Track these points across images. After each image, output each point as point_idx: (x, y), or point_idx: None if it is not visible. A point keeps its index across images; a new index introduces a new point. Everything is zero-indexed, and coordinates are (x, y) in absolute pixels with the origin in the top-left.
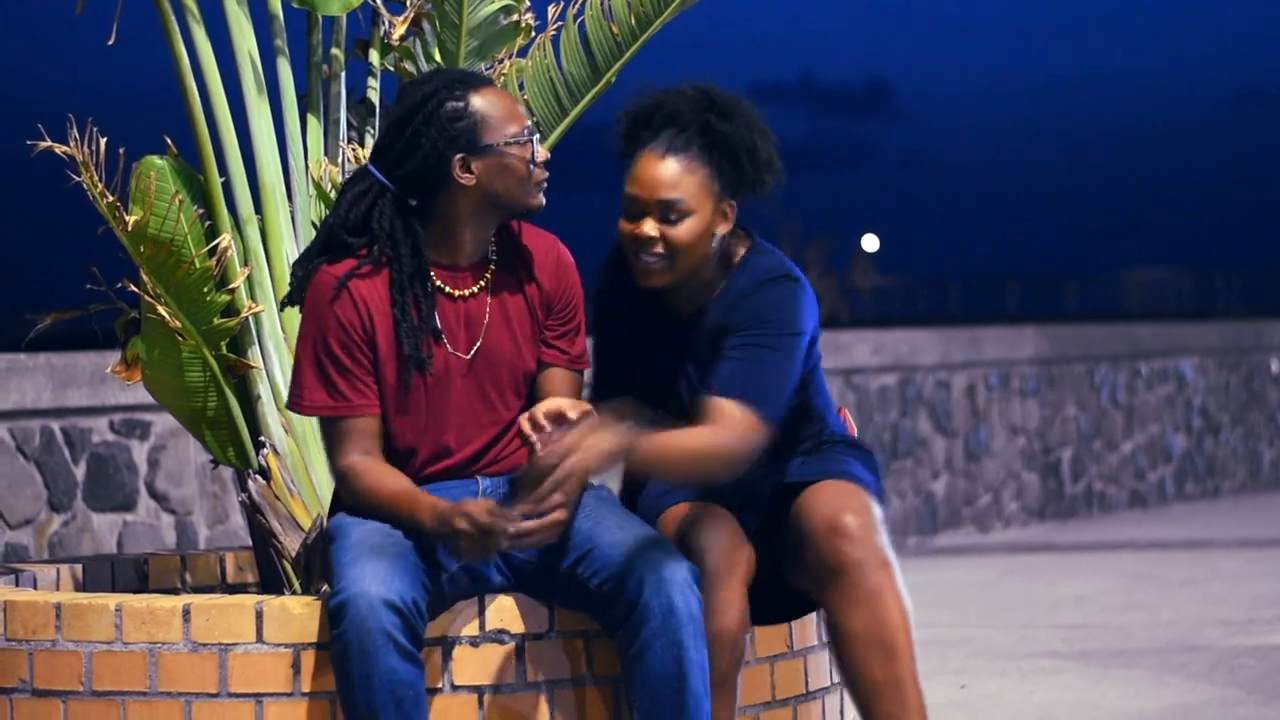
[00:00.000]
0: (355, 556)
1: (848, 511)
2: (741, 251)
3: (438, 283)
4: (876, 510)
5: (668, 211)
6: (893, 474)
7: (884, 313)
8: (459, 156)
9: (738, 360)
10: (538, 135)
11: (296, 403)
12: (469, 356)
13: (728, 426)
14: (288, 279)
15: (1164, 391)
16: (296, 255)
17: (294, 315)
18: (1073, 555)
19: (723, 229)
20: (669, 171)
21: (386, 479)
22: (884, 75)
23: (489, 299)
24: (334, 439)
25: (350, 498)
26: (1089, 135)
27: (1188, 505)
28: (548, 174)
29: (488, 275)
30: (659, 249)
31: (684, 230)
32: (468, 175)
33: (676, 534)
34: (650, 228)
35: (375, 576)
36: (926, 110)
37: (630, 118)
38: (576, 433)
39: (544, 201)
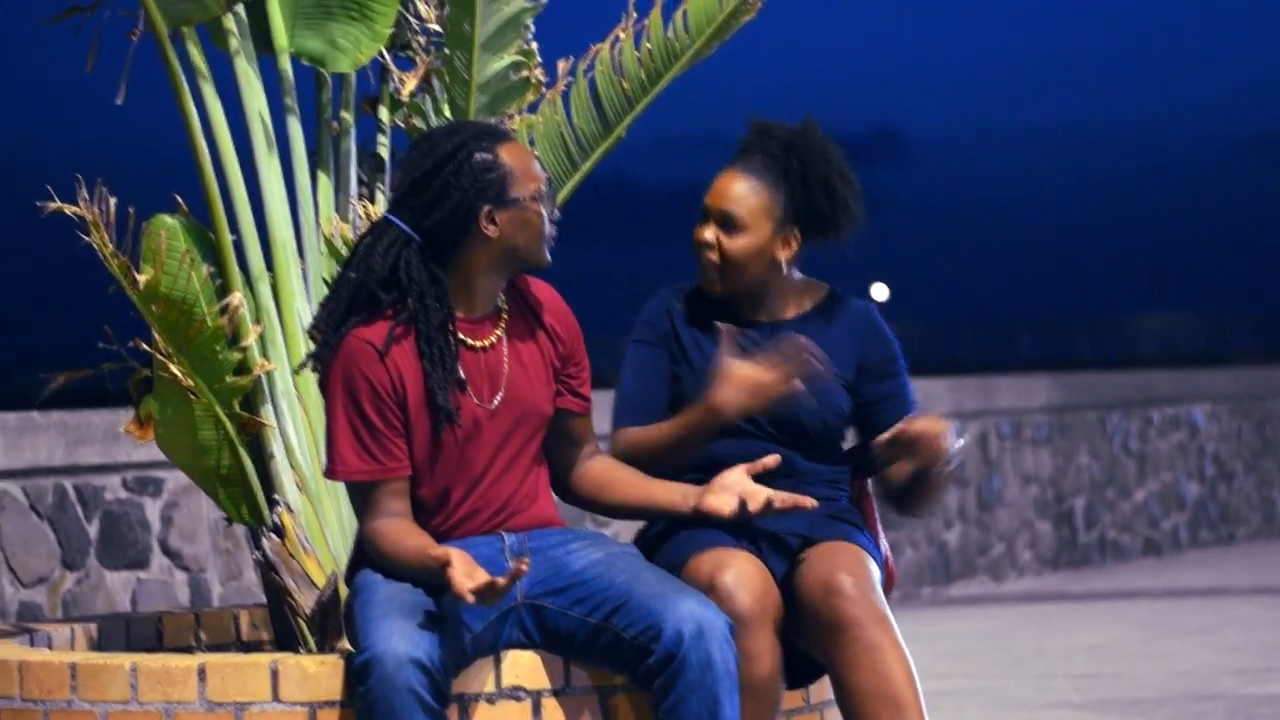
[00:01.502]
0: (383, 614)
1: (842, 570)
2: (825, 289)
3: (460, 335)
4: (873, 568)
5: (725, 221)
6: (905, 524)
7: None
8: (486, 208)
9: (906, 385)
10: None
11: (332, 471)
12: (493, 407)
13: None
14: (308, 339)
15: (1177, 439)
16: (309, 312)
17: (309, 374)
18: (1087, 604)
19: (783, 254)
20: (736, 187)
21: (406, 538)
22: (892, 123)
23: (505, 348)
24: (365, 502)
25: (377, 558)
26: (1099, 181)
27: (1202, 553)
28: (556, 231)
29: (502, 324)
30: (714, 255)
31: (737, 244)
32: (492, 227)
33: (706, 579)
34: (709, 233)
35: (403, 634)
36: (935, 157)
37: (741, 141)
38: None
39: (550, 260)
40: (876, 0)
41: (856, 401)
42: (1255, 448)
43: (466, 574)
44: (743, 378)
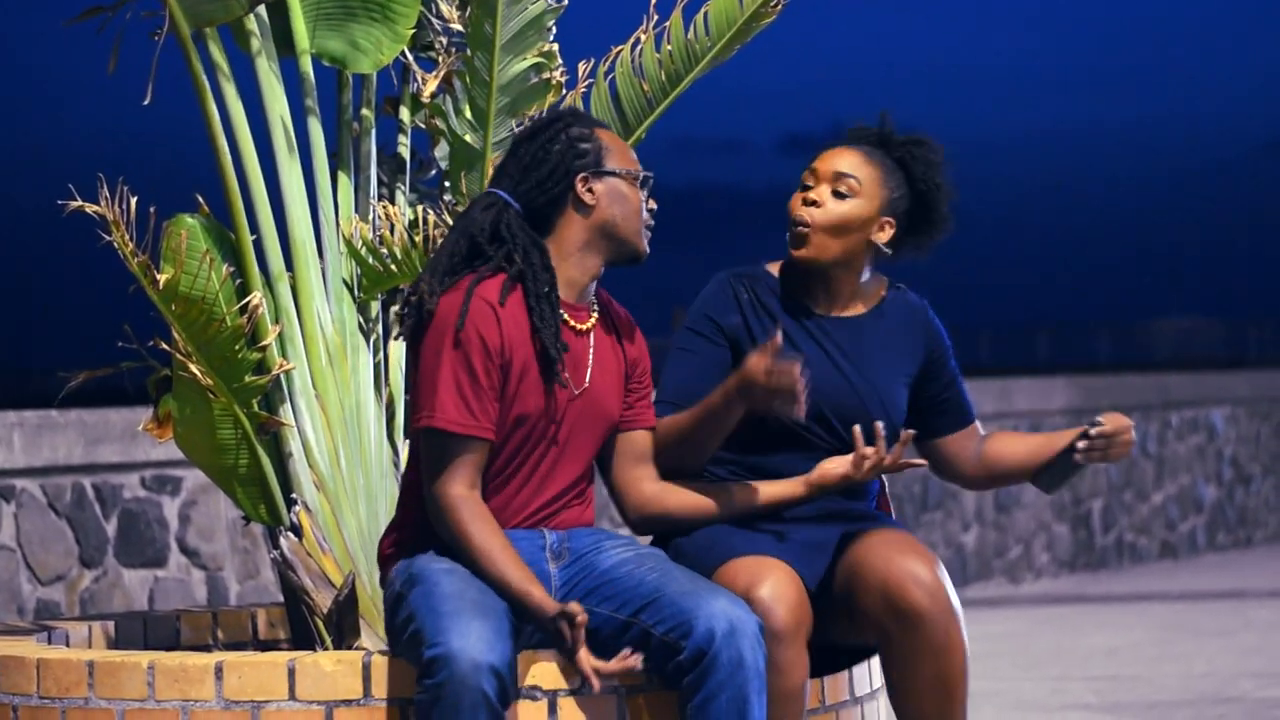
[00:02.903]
0: (455, 609)
1: (914, 557)
2: (885, 283)
3: (560, 311)
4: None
5: (838, 184)
6: (923, 526)
7: None
8: (583, 174)
9: (962, 389)
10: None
11: (430, 418)
12: (578, 392)
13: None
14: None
15: (1194, 442)
16: (328, 312)
17: (326, 374)
18: (1104, 607)
19: (878, 237)
20: (853, 156)
21: (495, 537)
22: (912, 126)
23: (592, 342)
24: (447, 460)
25: (442, 526)
26: (1118, 183)
27: (1219, 556)
28: (654, 224)
29: (594, 317)
30: (816, 215)
31: (844, 206)
32: (589, 194)
33: (742, 590)
34: (819, 194)
35: (480, 636)
36: (955, 160)
37: (853, 130)
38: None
39: (649, 251)
40: (894, 4)
41: (917, 401)
42: (1274, 450)
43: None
44: (754, 370)
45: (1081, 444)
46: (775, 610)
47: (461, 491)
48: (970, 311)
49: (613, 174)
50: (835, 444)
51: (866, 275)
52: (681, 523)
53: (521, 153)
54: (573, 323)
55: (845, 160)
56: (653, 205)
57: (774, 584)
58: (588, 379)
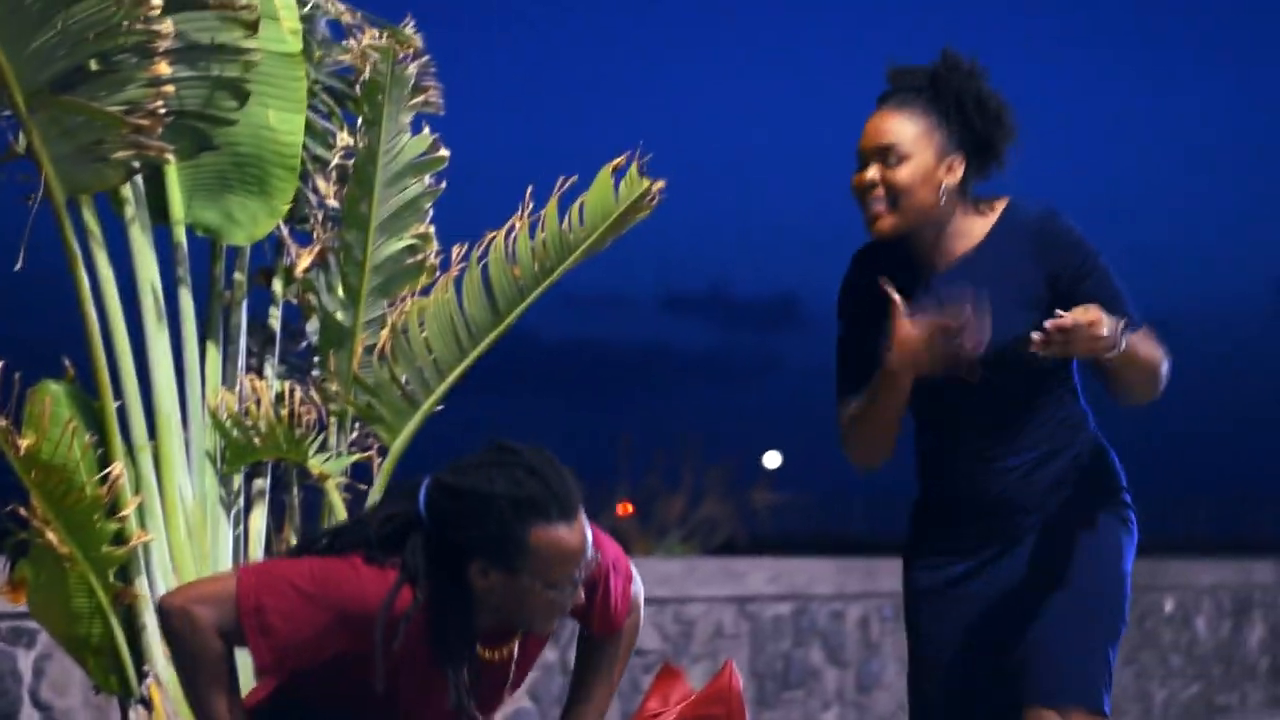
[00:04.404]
0: None
1: None
2: (1002, 204)
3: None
4: None
5: (886, 156)
6: (782, 705)
7: (784, 531)
8: (482, 562)
9: (1109, 291)
10: (581, 579)
11: (251, 581)
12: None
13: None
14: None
15: None
16: (189, 484)
17: (185, 545)
18: None
19: (949, 180)
20: (888, 121)
21: (222, 667)
22: (792, 289)
23: (515, 658)
24: (215, 605)
25: (172, 629)
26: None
27: None
28: (569, 608)
29: (516, 637)
30: (879, 192)
31: (902, 173)
32: (483, 580)
33: None
34: (872, 173)
35: None
36: (832, 319)
37: (884, 91)
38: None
39: (554, 627)
40: (780, 175)
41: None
42: (1134, 641)
43: None
44: (907, 336)
45: (1036, 335)
46: None
47: (211, 639)
48: (845, 477)
49: (519, 578)
50: (966, 387)
51: (961, 212)
52: None
53: (448, 498)
54: (486, 655)
55: (885, 130)
56: (579, 599)
57: None
58: (505, 697)
